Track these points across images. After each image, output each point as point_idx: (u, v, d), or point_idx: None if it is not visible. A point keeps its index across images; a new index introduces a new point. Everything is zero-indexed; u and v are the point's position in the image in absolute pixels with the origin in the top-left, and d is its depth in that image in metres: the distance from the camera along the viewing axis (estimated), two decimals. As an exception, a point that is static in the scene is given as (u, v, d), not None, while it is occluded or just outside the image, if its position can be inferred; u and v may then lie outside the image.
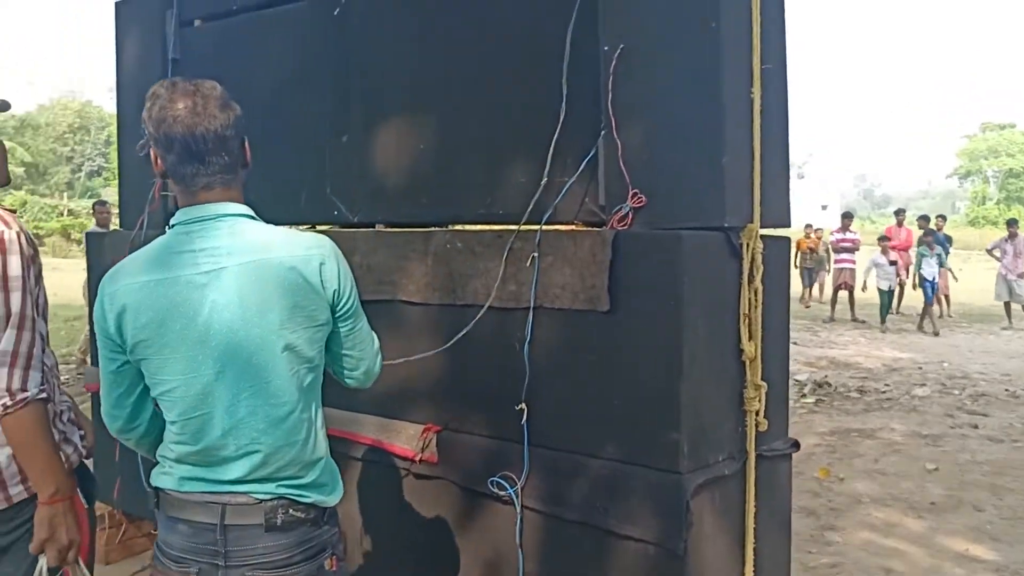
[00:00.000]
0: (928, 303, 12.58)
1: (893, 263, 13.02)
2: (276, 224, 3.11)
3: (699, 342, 2.09)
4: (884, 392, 7.82)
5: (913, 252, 13.86)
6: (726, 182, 2.13)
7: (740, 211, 2.19)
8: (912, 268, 13.72)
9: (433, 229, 2.62)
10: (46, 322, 1.85)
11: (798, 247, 16.18)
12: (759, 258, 2.24)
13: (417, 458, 2.50)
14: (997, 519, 4.40)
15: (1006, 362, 9.61)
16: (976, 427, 6.42)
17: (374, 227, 2.91)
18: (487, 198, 2.56)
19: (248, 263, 1.57)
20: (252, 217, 1.66)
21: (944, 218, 15.32)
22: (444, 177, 2.67)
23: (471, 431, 2.44)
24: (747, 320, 2.23)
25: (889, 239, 13.43)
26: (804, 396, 7.60)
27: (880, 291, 12.93)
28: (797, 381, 8.25)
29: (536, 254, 2.29)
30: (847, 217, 14.71)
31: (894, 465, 5.39)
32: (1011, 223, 13.58)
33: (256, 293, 1.56)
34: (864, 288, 14.04)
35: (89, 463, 2.07)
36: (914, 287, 13.35)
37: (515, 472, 2.30)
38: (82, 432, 1.96)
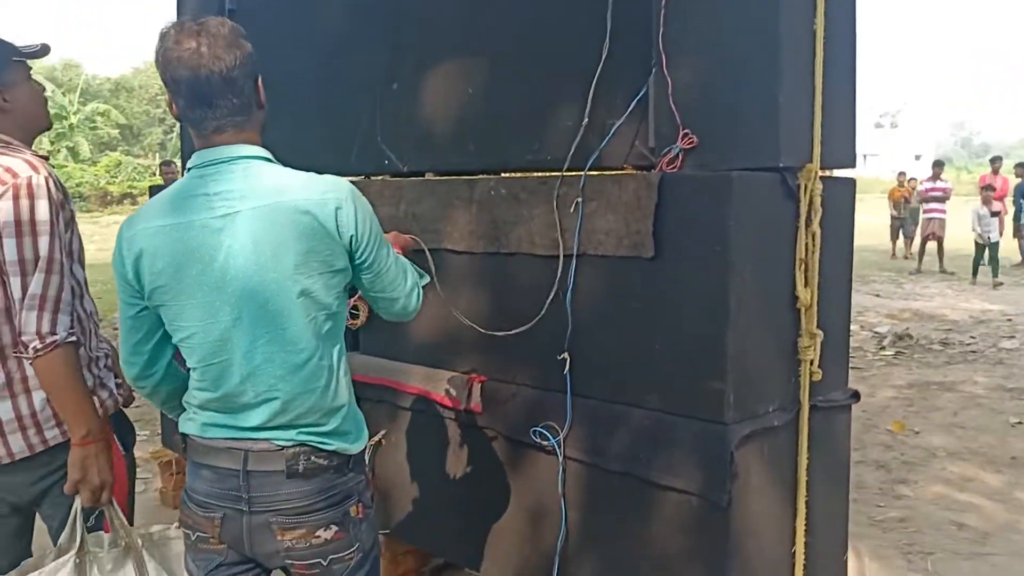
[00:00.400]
0: None
1: (995, 214, 12.10)
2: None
3: (748, 288, 2.00)
4: (969, 344, 7.49)
5: (1009, 201, 13.14)
6: (781, 119, 2.01)
7: (797, 150, 2.07)
8: (1008, 218, 12.99)
9: (478, 177, 2.57)
10: (83, 267, 1.88)
11: (890, 197, 15.46)
12: (818, 200, 2.12)
13: (462, 408, 2.49)
14: (1084, 476, 4.18)
15: (1105, 313, 9.09)
16: (1067, 380, 6.10)
17: (423, 176, 2.88)
18: (534, 143, 2.49)
19: (262, 207, 1.55)
20: (268, 159, 1.63)
21: (1043, 164, 14.42)
22: (491, 123, 2.61)
23: (515, 380, 2.42)
24: (803, 266, 2.13)
25: (994, 188, 12.59)
26: (883, 348, 7.35)
27: (977, 244, 12.04)
28: (877, 333, 7.98)
29: (580, 200, 2.22)
30: (938, 165, 14.02)
31: (974, 419, 5.17)
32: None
33: (270, 238, 1.54)
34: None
35: (129, 413, 2.12)
36: (1015, 236, 12.57)
37: (558, 422, 2.27)
38: (119, 380, 2.00)
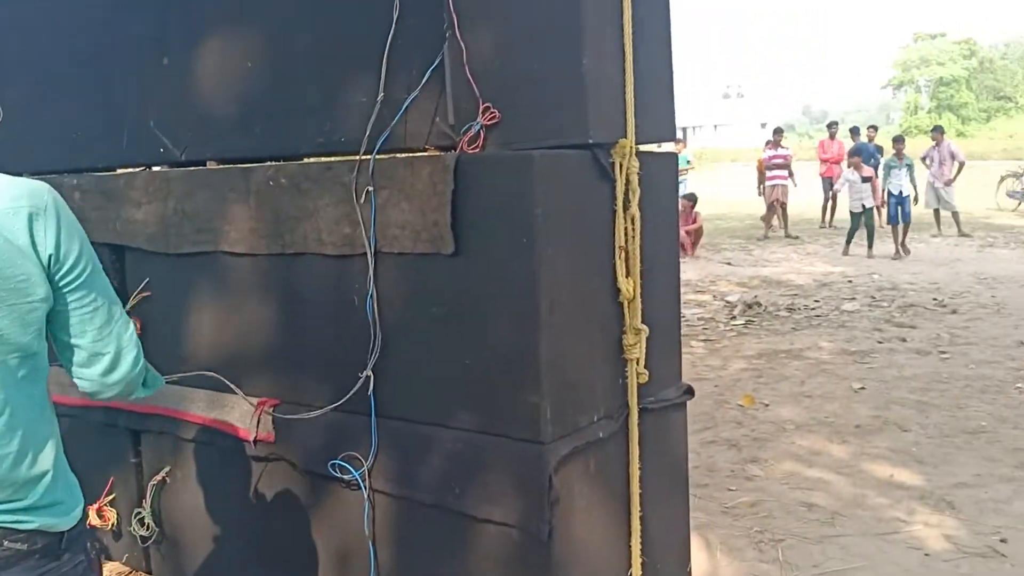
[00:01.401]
0: (902, 223, 11.19)
1: (867, 179, 12.03)
2: (95, 171, 2.74)
3: (562, 284, 1.74)
4: (814, 309, 7.68)
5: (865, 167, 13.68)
6: (587, 89, 1.75)
7: (608, 124, 1.82)
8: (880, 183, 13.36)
9: (254, 165, 2.20)
10: None
11: (758, 168, 14.71)
12: (635, 179, 1.88)
13: (252, 438, 2.13)
14: (923, 439, 4.24)
15: (934, 271, 9.57)
16: (904, 340, 6.29)
17: (205, 165, 2.48)
18: (326, 124, 2.13)
19: None
20: None
21: (875, 128, 15.11)
22: (278, 102, 2.23)
23: (312, 403, 2.07)
24: (623, 254, 1.89)
25: (859, 155, 12.72)
26: (734, 318, 7.41)
27: (852, 213, 11.65)
28: (728, 303, 8.07)
29: (371, 188, 1.89)
30: (777, 133, 14.45)
31: (820, 386, 5.21)
32: (936, 130, 13.44)
33: None
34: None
35: None
36: (881, 205, 12.54)
37: (362, 450, 1.95)
38: None
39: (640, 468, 1.96)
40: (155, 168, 2.59)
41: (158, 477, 2.40)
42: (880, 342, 6.30)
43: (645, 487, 1.99)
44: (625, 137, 1.86)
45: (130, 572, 2.55)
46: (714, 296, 8.57)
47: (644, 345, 1.91)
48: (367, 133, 1.92)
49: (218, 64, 2.36)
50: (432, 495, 1.86)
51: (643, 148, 1.97)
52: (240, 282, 2.18)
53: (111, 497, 2.54)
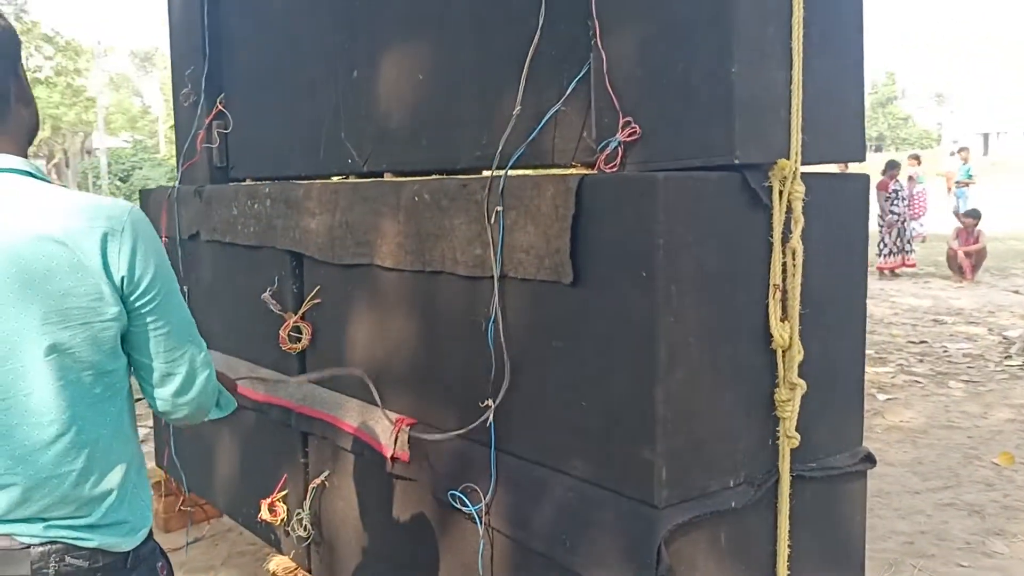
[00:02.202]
0: None
1: None
2: (298, 179, 2.88)
3: (691, 327, 1.51)
4: (1117, 353, 6.44)
5: None
6: (736, 101, 1.50)
7: (764, 142, 1.56)
8: None
9: (405, 179, 2.17)
10: None
11: None
12: (799, 207, 1.60)
13: (389, 455, 2.10)
14: None
15: None
16: None
17: (383, 176, 2.50)
18: (483, 137, 2.06)
19: (7, 237, 1.20)
20: (31, 174, 1.28)
21: None
22: (441, 114, 2.20)
23: (443, 427, 2.00)
24: (778, 293, 1.61)
25: None
26: (1009, 357, 6.41)
27: None
28: (1005, 338, 7.01)
29: (500, 208, 1.78)
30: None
31: (1109, 451, 4.33)
32: None
33: (11, 276, 1.19)
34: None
35: None
36: None
37: (482, 483, 1.84)
38: None
39: (792, 547, 1.67)
40: (338, 179, 2.68)
41: (318, 480, 2.46)
42: None
43: (799, 570, 1.69)
44: (787, 157, 1.58)
45: (295, 568, 2.64)
46: (990, 329, 7.51)
47: (798, 402, 1.62)
48: (499, 149, 1.81)
49: (395, 76, 2.37)
50: (543, 544, 1.70)
51: (814, 169, 1.68)
52: (389, 297, 2.16)
53: (284, 493, 2.65)
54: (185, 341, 1.32)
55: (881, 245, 11.24)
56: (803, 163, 1.62)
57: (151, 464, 3.80)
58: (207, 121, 3.23)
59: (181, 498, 3.45)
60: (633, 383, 1.52)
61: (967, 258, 10.66)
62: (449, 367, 1.98)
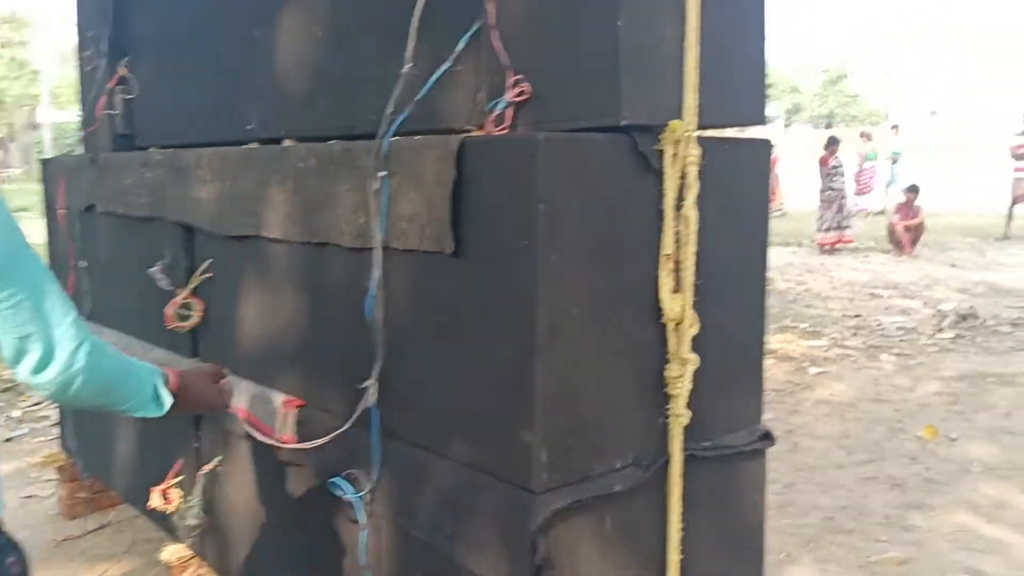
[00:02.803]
0: None
1: None
2: (203, 146, 2.71)
3: (574, 299, 1.42)
4: (1046, 326, 6.56)
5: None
6: (622, 59, 1.41)
7: (655, 103, 1.47)
8: None
9: (293, 144, 2.04)
10: None
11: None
12: (693, 172, 1.51)
13: (274, 437, 1.98)
14: None
15: None
16: None
17: (281, 143, 2.36)
18: (378, 100, 1.93)
19: None
20: None
21: None
22: (339, 75, 2.06)
23: (330, 409, 1.89)
24: (671, 264, 1.52)
25: None
26: (941, 331, 6.49)
27: None
28: (939, 312, 7.11)
29: (383, 174, 1.66)
30: (1029, 117, 12.62)
31: (1030, 422, 4.39)
32: None
33: None
34: None
35: None
36: None
37: (367, 469, 1.74)
38: None
39: (685, 530, 1.60)
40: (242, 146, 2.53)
41: (208, 467, 2.34)
42: (1123, 373, 5.24)
43: (693, 554, 1.62)
44: (680, 119, 1.49)
45: (191, 557, 2.52)
46: (925, 303, 7.62)
47: (689, 379, 1.54)
48: (388, 110, 1.68)
49: (294, 35, 2.22)
50: (426, 532, 1.61)
51: (713, 134, 1.59)
52: (278, 271, 2.04)
53: (178, 480, 2.52)
54: (40, 314, 1.19)
55: (821, 220, 11.34)
56: (700, 126, 1.54)
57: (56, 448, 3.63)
58: (109, 86, 3.04)
59: (86, 483, 3.28)
60: (512, 360, 1.42)
61: (906, 232, 10.82)
62: (336, 345, 1.87)
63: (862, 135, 16.55)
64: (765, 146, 1.72)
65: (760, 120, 1.67)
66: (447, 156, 1.49)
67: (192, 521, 2.37)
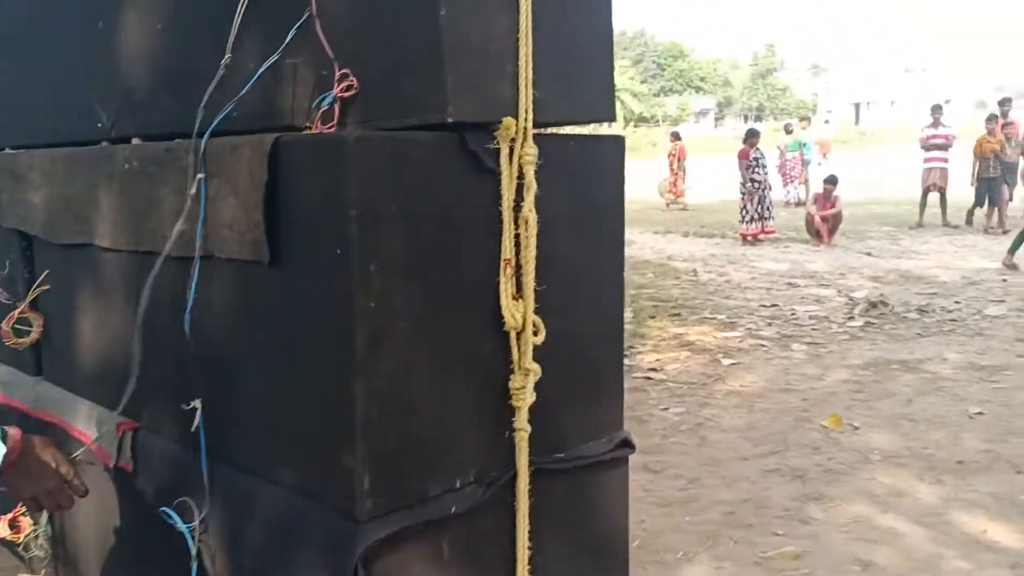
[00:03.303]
0: None
1: None
2: (41, 147, 2.53)
3: (398, 311, 1.31)
4: (951, 312, 6.72)
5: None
6: (447, 52, 1.30)
7: (483, 98, 1.37)
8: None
9: (119, 146, 1.89)
10: None
11: (978, 150, 11.98)
12: (531, 172, 1.42)
13: (112, 464, 1.84)
14: (1042, 486, 3.47)
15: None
16: (1052, 356, 5.34)
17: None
18: (225, 96, 1.79)
19: None
20: None
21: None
22: (180, 70, 1.91)
23: (161, 432, 1.75)
24: (509, 269, 1.43)
25: None
26: (852, 319, 6.59)
27: None
28: (851, 299, 7.22)
29: (202, 176, 1.53)
30: (936, 110, 12.93)
31: (930, 408, 4.45)
32: None
33: None
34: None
35: None
36: None
37: (199, 495, 1.61)
38: None
39: (539, 547, 1.51)
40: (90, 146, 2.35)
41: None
42: (1020, 356, 5.38)
43: (549, 570, 1.54)
44: (515, 116, 1.40)
45: (47, 586, 2.34)
46: (839, 291, 7.74)
47: (531, 389, 1.45)
48: (201, 103, 1.55)
49: (137, 26, 2.06)
50: (256, 564, 1.49)
51: (558, 131, 1.51)
52: (111, 282, 1.89)
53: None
54: None
55: (743, 212, 11.48)
56: (541, 123, 1.45)
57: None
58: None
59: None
60: (333, 379, 1.31)
61: (824, 223, 11.01)
62: (167, 364, 1.72)
63: (786, 129, 16.91)
64: (618, 143, 1.63)
65: (609, 116, 1.58)
66: (260, 157, 1.37)
67: (38, 552, 2.19)
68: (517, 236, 1.43)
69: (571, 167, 1.53)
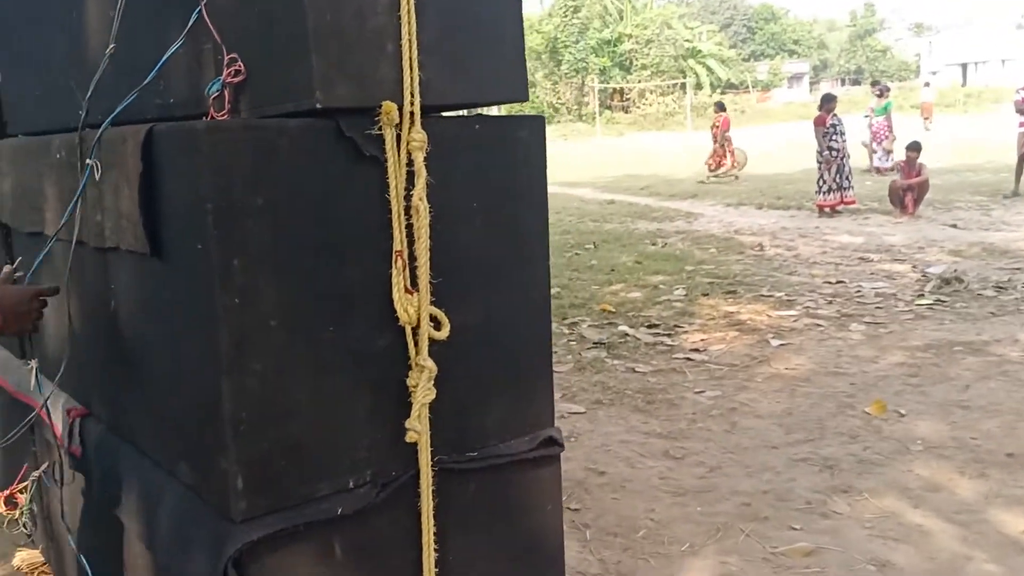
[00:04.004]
0: None
1: None
2: (42, 135, 2.58)
3: (269, 310, 1.26)
4: (1033, 288, 6.26)
5: None
6: (311, 32, 1.24)
7: (360, 82, 1.29)
8: None
9: (56, 135, 1.89)
10: None
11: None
12: (419, 159, 1.34)
13: (64, 446, 1.87)
14: (1100, 483, 3.18)
15: None
16: None
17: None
18: (159, 84, 1.77)
19: None
20: None
21: None
22: (124, 56, 1.90)
23: (100, 419, 1.76)
24: (400, 261, 1.36)
25: None
26: (921, 296, 6.22)
27: None
28: (925, 275, 6.82)
29: (89, 163, 1.52)
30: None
31: (988, 395, 4.14)
32: None
33: None
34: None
35: None
36: None
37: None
38: None
39: (451, 549, 1.45)
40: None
41: (37, 473, 2.23)
42: (1102, 339, 4.96)
43: (463, 573, 1.48)
44: (398, 99, 1.32)
45: (42, 564, 2.43)
46: (913, 266, 7.32)
47: (427, 386, 1.38)
48: (87, 95, 1.54)
49: (96, 13, 2.07)
50: (163, 558, 1.48)
51: (467, 112, 1.43)
52: (59, 272, 1.90)
53: (25, 484, 2.42)
54: None
55: (820, 182, 10.98)
56: (437, 105, 1.37)
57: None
58: (-26, 73, 2.91)
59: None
60: (206, 378, 1.27)
61: (908, 192, 10.44)
62: (99, 353, 1.74)
63: (875, 91, 16.02)
64: (537, 124, 1.53)
65: (520, 96, 1.49)
66: (135, 147, 1.34)
67: (24, 529, 2.28)
68: (410, 226, 1.36)
69: (477, 151, 1.44)
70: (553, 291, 6.79)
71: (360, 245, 1.34)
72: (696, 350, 5.11)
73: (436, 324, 1.40)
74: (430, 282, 1.37)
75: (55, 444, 2.06)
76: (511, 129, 1.49)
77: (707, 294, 6.52)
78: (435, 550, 1.43)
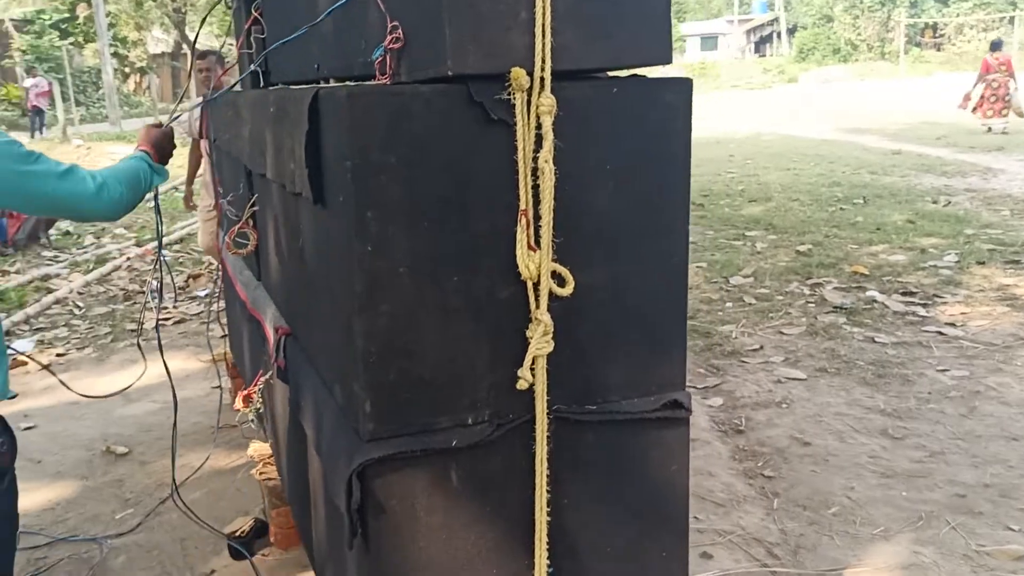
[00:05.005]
0: None
1: None
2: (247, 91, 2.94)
3: (398, 258, 1.39)
4: None
5: None
6: (445, 3, 1.33)
7: (490, 49, 1.37)
8: None
9: (272, 89, 2.15)
10: None
11: None
12: (547, 123, 1.40)
13: (274, 361, 2.18)
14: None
15: None
16: None
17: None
18: (360, 43, 1.98)
19: None
20: None
21: None
22: (338, 20, 2.13)
23: (297, 339, 2.04)
24: (525, 220, 1.44)
25: None
26: None
27: None
28: None
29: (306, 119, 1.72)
30: None
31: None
32: None
33: None
34: None
35: None
36: None
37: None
38: None
39: (565, 495, 1.54)
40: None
41: (265, 377, 2.61)
42: None
43: (578, 521, 1.57)
44: (529, 65, 1.37)
45: (271, 456, 2.85)
46: None
47: (541, 339, 1.45)
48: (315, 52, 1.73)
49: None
50: (323, 457, 1.72)
51: (601, 76, 1.45)
52: (276, 211, 2.20)
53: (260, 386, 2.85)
54: (71, 191, 1.85)
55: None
56: (573, 70, 1.41)
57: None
58: (245, 26, 3.36)
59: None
60: (345, 314, 1.45)
61: None
62: (295, 281, 1.99)
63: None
64: (683, 86, 1.51)
65: (664, 59, 1.47)
66: (304, 108, 1.52)
67: (252, 425, 2.68)
68: (536, 187, 1.43)
69: (612, 114, 1.46)
70: (803, 248, 6.45)
71: (487, 203, 1.43)
72: (951, 324, 4.64)
73: (560, 281, 1.47)
74: (555, 241, 1.43)
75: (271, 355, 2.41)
76: (654, 92, 1.49)
77: (983, 262, 5.84)
78: (548, 491, 1.52)
